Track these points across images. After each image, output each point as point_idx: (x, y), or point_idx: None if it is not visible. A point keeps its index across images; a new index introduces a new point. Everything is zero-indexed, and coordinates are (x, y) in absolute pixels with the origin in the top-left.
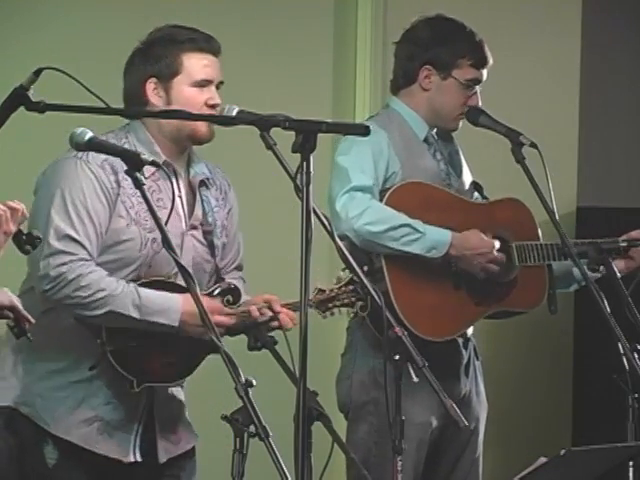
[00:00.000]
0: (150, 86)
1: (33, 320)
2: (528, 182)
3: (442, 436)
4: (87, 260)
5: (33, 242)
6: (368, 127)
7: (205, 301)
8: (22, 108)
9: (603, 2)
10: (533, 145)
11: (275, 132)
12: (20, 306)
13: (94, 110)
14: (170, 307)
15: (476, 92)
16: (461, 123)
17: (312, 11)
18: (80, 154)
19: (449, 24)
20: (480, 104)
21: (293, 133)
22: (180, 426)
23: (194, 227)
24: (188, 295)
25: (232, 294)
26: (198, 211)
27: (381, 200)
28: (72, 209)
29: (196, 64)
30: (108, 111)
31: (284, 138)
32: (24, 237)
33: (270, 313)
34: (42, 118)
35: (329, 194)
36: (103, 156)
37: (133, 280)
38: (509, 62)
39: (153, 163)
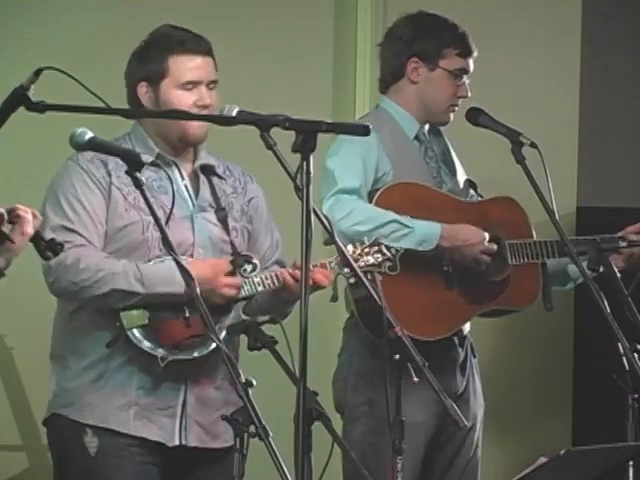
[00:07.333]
0: (142, 89)
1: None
2: (528, 182)
3: (438, 435)
4: (85, 246)
5: (54, 248)
6: (368, 127)
7: (212, 262)
8: (22, 108)
9: (603, 2)
10: (533, 145)
11: (275, 132)
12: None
13: (94, 110)
14: (174, 275)
15: (464, 83)
16: (452, 116)
17: (312, 11)
18: (72, 156)
19: (431, 17)
20: (469, 94)
21: (293, 133)
22: (219, 420)
23: (203, 209)
24: (193, 261)
25: (252, 265)
26: (204, 192)
27: (370, 201)
28: (65, 203)
29: (182, 66)
30: (108, 111)
31: (284, 138)
32: (44, 243)
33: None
34: (42, 118)
35: (318, 197)
36: (92, 153)
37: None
38: (509, 62)
39: (153, 164)
